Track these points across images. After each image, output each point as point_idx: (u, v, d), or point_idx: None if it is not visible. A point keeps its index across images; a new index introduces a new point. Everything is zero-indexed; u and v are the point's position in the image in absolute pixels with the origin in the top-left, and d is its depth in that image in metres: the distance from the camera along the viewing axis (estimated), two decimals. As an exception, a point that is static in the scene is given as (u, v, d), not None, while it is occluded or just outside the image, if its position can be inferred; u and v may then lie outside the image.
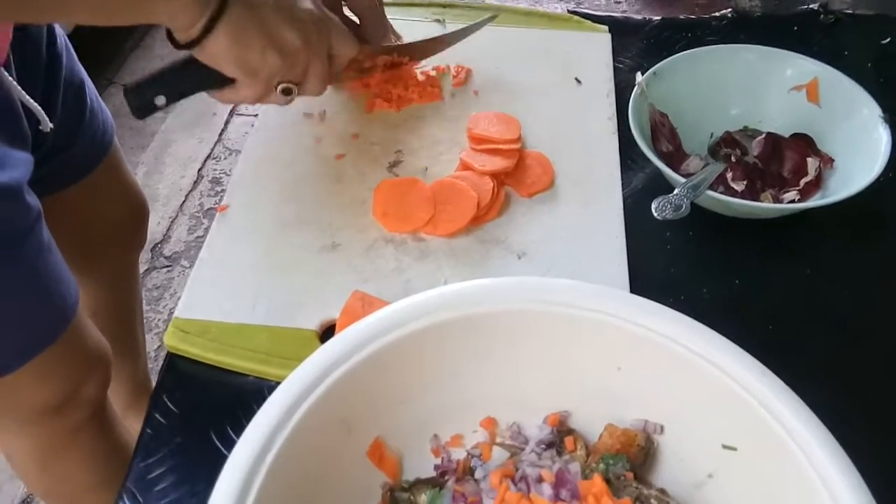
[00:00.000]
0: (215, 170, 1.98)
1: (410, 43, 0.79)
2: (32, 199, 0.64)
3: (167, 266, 1.78)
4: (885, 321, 0.62)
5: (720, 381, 0.46)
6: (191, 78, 0.59)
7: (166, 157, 2.06)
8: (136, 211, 0.99)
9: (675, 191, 0.61)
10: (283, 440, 0.43)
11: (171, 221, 1.87)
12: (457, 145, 0.73)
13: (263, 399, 0.45)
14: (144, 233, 1.03)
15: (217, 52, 0.56)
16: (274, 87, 0.61)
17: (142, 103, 0.60)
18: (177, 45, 0.56)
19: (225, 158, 2.00)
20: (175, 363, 0.60)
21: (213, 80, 0.59)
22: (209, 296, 0.61)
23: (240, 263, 0.64)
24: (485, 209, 0.67)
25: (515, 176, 0.70)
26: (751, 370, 0.45)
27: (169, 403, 0.57)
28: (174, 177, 2.00)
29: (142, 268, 1.79)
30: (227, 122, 2.10)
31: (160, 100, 0.60)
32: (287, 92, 0.63)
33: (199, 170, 1.98)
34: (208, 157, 2.00)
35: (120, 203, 0.94)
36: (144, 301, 1.65)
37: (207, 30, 0.54)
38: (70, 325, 0.70)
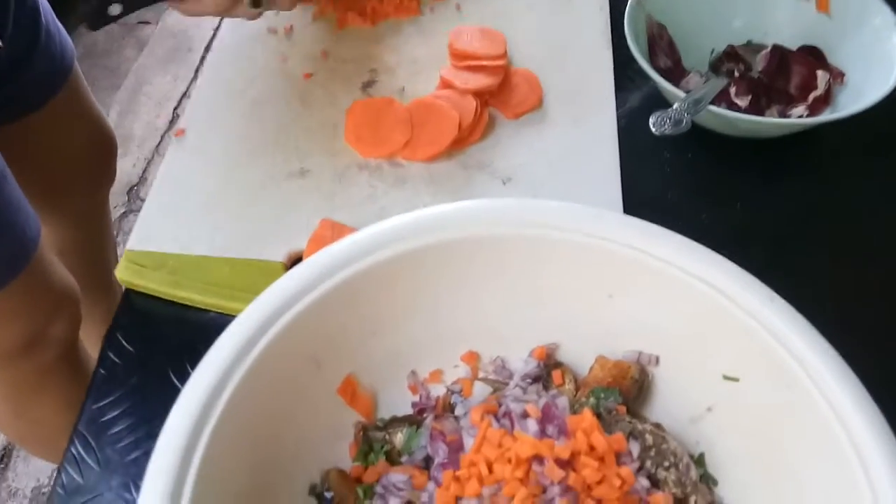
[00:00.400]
0: (191, 109, 1.89)
1: None
2: None
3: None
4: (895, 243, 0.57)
5: (722, 307, 0.41)
6: None
7: (140, 96, 1.97)
8: (102, 143, 0.92)
9: (675, 105, 0.56)
10: (242, 376, 0.39)
11: (147, 163, 1.80)
12: (437, 62, 0.67)
13: (225, 334, 0.40)
14: (112, 168, 0.97)
15: None
16: None
17: (95, 10, 0.54)
18: None
19: (201, 97, 1.91)
20: (130, 299, 0.55)
21: None
22: (165, 227, 0.56)
23: (198, 192, 0.59)
24: (467, 131, 0.61)
25: (501, 95, 0.64)
26: (757, 294, 0.41)
27: (124, 342, 0.53)
28: (149, 116, 1.92)
29: (118, 211, 1.73)
30: (202, 59, 2.00)
31: (115, 8, 0.54)
32: (256, 4, 0.57)
33: (175, 108, 1.90)
34: (184, 95, 1.92)
35: (83, 134, 0.88)
36: (121, 244, 1.60)
37: None
38: (32, 261, 0.66)
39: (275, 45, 0.69)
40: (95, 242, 1.03)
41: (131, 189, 1.75)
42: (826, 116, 0.59)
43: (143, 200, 1.74)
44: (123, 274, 0.54)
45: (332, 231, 0.54)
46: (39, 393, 0.80)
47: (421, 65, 0.68)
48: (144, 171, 1.78)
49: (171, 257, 0.54)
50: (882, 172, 0.61)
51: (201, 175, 0.60)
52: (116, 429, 0.49)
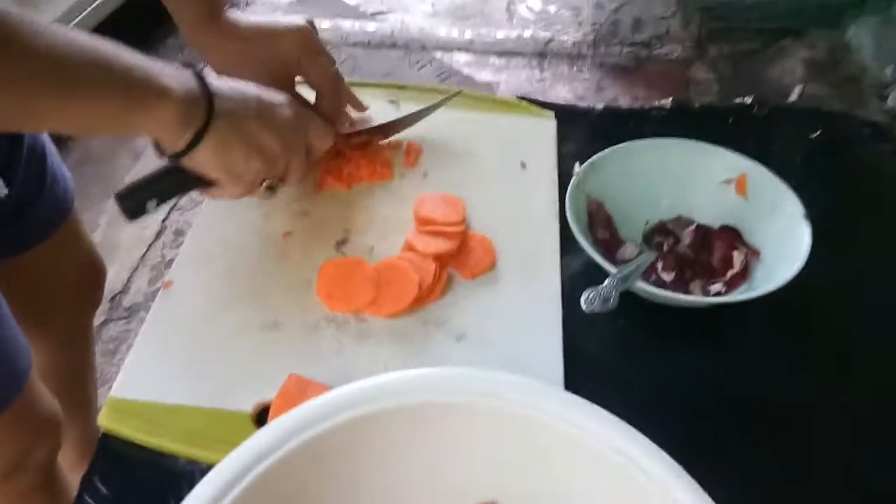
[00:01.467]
0: (178, 221, 1.98)
1: (380, 125, 0.83)
2: None
3: (125, 317, 1.76)
4: (804, 414, 0.64)
5: (638, 482, 0.47)
6: (178, 181, 0.62)
7: (129, 207, 2.05)
8: (93, 274, 0.99)
9: (605, 282, 0.64)
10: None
11: (132, 272, 1.86)
12: (404, 225, 0.75)
13: (194, 484, 0.45)
14: (99, 295, 1.03)
15: (203, 162, 0.59)
16: (258, 185, 0.64)
17: (133, 208, 0.62)
18: (163, 155, 0.59)
19: (190, 210, 2.00)
20: (108, 443, 0.59)
21: (200, 182, 0.62)
22: (146, 375, 0.62)
23: (180, 342, 0.65)
24: (427, 290, 0.69)
25: (458, 257, 0.72)
26: (670, 472, 0.47)
27: (100, 485, 0.57)
28: (137, 227, 1.99)
29: (99, 319, 1.77)
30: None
31: (151, 204, 0.63)
32: (270, 189, 0.66)
33: (163, 220, 1.98)
34: (173, 207, 2.00)
35: (77, 267, 0.94)
36: (100, 353, 1.63)
37: (193, 143, 0.57)
38: (21, 393, 0.70)
39: (259, 205, 0.77)
40: (78, 363, 1.08)
41: (114, 297, 1.80)
42: (737, 296, 0.67)
43: (125, 309, 1.79)
44: (105, 421, 0.59)
45: (298, 387, 0.60)
46: None
47: (390, 226, 0.76)
48: (128, 280, 1.84)
49: (149, 406, 0.60)
50: (791, 344, 0.69)
51: (183, 326, 0.66)
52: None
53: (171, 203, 0.63)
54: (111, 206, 2.03)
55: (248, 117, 0.59)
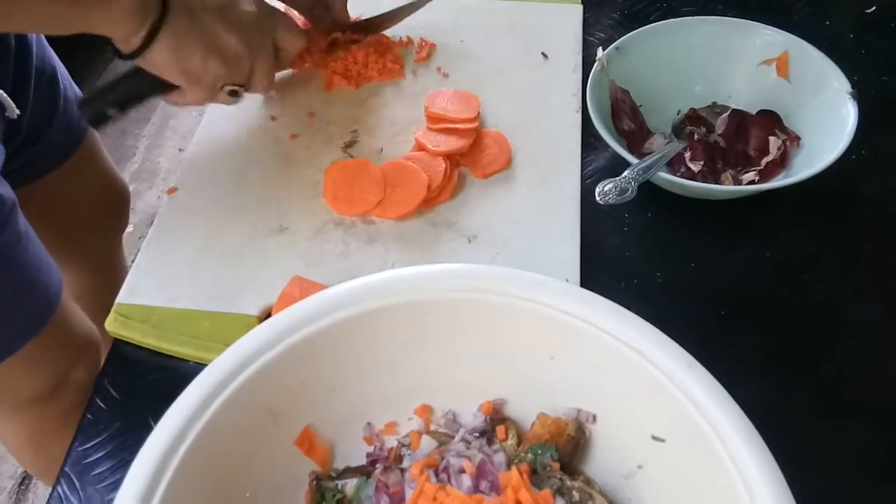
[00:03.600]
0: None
1: (367, 19, 0.78)
2: (5, 189, 0.64)
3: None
4: (840, 310, 0.59)
5: (649, 372, 0.44)
6: (139, 86, 0.60)
7: (167, 130, 2.06)
8: (116, 198, 0.99)
9: (624, 173, 0.59)
10: (200, 429, 0.43)
11: (170, 195, 1.88)
12: (415, 124, 0.71)
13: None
14: (126, 218, 1.04)
15: (159, 62, 0.56)
16: (219, 89, 0.61)
17: (95, 114, 0.61)
18: (121, 56, 0.56)
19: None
20: (119, 348, 0.60)
21: (161, 87, 0.60)
22: (153, 281, 0.61)
23: (186, 248, 0.63)
24: (436, 191, 0.65)
25: (471, 156, 0.68)
26: (678, 361, 0.44)
27: (110, 388, 0.57)
28: (174, 150, 2.00)
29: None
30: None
31: (112, 111, 0.61)
32: (234, 94, 0.63)
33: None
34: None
35: (98, 190, 0.94)
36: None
37: (148, 40, 0.54)
38: (55, 314, 0.71)
39: (266, 107, 0.74)
40: (111, 285, 1.09)
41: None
42: (771, 183, 0.62)
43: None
44: (112, 326, 0.59)
45: (301, 289, 0.58)
46: (60, 434, 0.83)
47: (400, 126, 0.72)
48: (166, 203, 1.86)
49: (156, 310, 0.59)
50: (832, 240, 0.63)
51: (189, 232, 0.64)
52: (99, 470, 0.53)
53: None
54: (149, 131, 2.04)
55: (206, 12, 0.56)
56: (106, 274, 1.07)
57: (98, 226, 0.98)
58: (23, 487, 1.40)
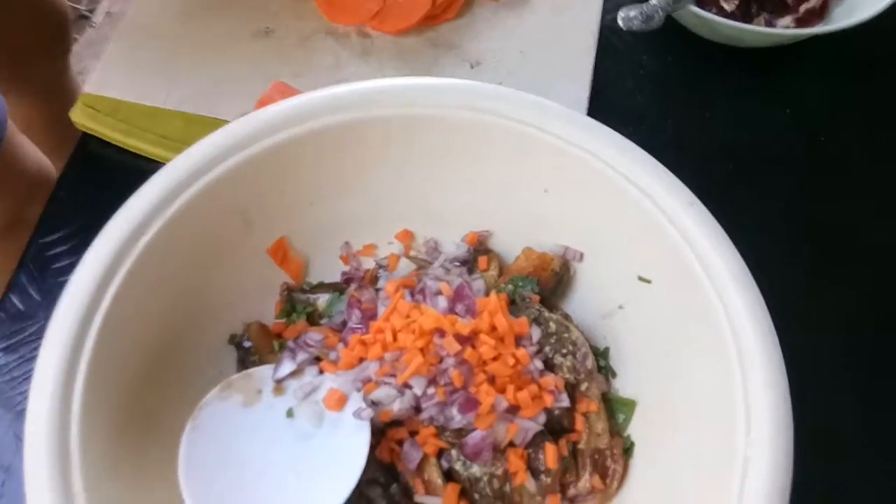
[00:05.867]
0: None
1: None
2: None
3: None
4: (856, 174, 0.56)
5: (647, 209, 0.41)
6: None
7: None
8: (54, 20, 0.91)
9: (652, 0, 0.53)
10: (164, 224, 0.40)
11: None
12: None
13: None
14: (68, 39, 0.96)
15: None
16: None
17: None
18: None
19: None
20: (87, 143, 0.56)
21: None
22: (124, 73, 0.56)
23: (161, 43, 0.58)
24: (441, 7, 0.59)
25: (483, -28, 0.62)
26: (678, 198, 0.41)
27: (76, 182, 0.54)
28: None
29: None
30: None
31: None
32: None
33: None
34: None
35: (34, 15, 0.86)
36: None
37: None
38: (3, 141, 0.66)
39: None
40: (61, 111, 1.03)
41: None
42: (808, 30, 0.56)
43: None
44: (78, 116, 0.55)
45: (283, 95, 0.53)
46: None
47: (407, -69, 0.64)
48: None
49: (125, 105, 0.55)
50: (863, 98, 0.59)
51: (166, 26, 0.58)
52: (60, 264, 0.51)
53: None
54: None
55: None
56: (54, 102, 1.00)
57: (38, 49, 0.91)
58: None
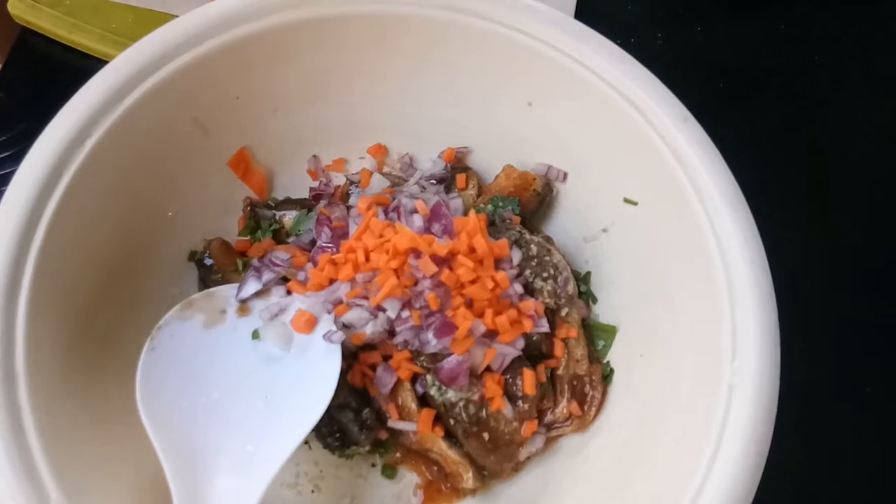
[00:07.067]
0: None
1: None
2: None
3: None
4: (849, 102, 0.54)
5: (638, 126, 0.39)
6: None
7: None
8: None
9: None
10: (112, 123, 0.36)
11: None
12: None
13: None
14: None
15: None
16: None
17: None
18: None
19: None
20: (26, 39, 0.51)
21: None
22: (65, -40, 0.50)
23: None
24: None
25: None
26: (671, 114, 0.38)
27: (16, 84, 0.49)
28: None
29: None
30: None
31: None
32: None
33: None
34: None
35: None
36: None
37: None
38: None
39: None
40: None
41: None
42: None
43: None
44: (15, 9, 0.49)
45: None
46: None
47: None
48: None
49: (68, -3, 0.49)
50: (860, 18, 0.56)
51: None
52: (2, 171, 0.47)
53: None
54: None
55: None
56: None
57: None
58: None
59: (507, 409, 0.36)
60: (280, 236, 0.44)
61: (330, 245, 0.41)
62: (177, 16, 0.49)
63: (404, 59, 0.43)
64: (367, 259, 0.39)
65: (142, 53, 0.37)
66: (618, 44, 0.41)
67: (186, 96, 0.39)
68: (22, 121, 0.48)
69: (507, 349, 0.37)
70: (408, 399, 0.36)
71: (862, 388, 0.46)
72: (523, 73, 0.42)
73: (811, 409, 0.39)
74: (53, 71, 0.50)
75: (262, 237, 0.44)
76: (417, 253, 0.38)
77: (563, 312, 0.40)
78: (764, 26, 0.55)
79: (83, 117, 0.36)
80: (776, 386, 0.33)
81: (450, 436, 0.38)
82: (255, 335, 0.37)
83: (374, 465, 0.40)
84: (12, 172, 0.44)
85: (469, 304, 0.38)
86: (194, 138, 0.41)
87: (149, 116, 0.38)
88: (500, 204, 0.43)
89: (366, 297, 0.38)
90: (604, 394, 0.38)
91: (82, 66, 0.50)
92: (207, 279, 0.41)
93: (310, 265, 0.40)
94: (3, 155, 0.47)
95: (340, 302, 0.38)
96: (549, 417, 0.37)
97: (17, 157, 0.47)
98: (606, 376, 0.39)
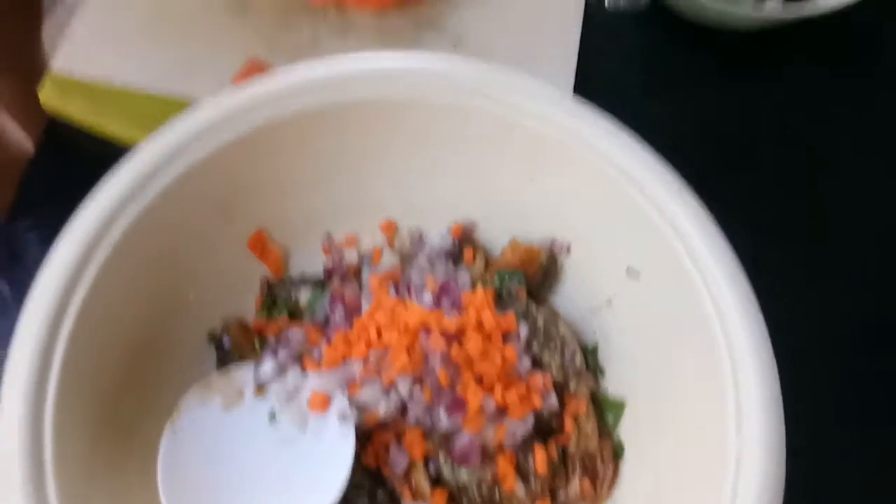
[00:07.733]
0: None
1: None
2: None
3: None
4: (842, 161, 0.56)
5: (635, 199, 0.40)
6: None
7: None
8: None
9: (640, -22, 0.51)
10: (136, 214, 0.38)
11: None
12: None
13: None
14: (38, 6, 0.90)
15: None
16: None
17: None
18: None
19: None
20: (55, 128, 0.53)
21: None
22: (93, 51, 0.53)
23: (132, 17, 0.55)
24: (422, -16, 0.57)
25: (467, -52, 0.59)
26: (669, 187, 0.39)
27: (46, 169, 0.52)
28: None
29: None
30: None
31: None
32: None
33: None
34: None
35: None
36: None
37: None
38: None
39: None
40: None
41: None
42: (797, 12, 0.54)
43: None
44: (47, 97, 0.52)
45: (258, 72, 0.51)
46: None
47: None
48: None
49: (96, 87, 0.52)
50: (853, 82, 0.58)
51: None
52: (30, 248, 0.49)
53: None
54: None
55: None
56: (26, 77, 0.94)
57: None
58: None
59: (520, 489, 0.37)
60: (296, 314, 0.46)
61: (343, 322, 0.42)
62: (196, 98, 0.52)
63: (407, 140, 0.45)
64: (380, 336, 0.40)
65: (163, 142, 0.40)
66: (615, 112, 0.43)
67: (206, 183, 0.41)
68: (47, 202, 0.50)
69: (518, 425, 0.38)
70: (421, 480, 0.37)
71: (868, 453, 0.46)
72: (523, 150, 0.44)
73: (818, 476, 0.40)
74: (81, 157, 0.52)
75: (277, 315, 0.45)
76: (428, 329, 0.39)
77: (572, 386, 0.41)
78: (757, 92, 0.57)
79: (106, 210, 0.38)
80: (783, 456, 0.33)
81: (463, 515, 0.38)
82: (272, 417, 0.38)
83: (388, 544, 0.40)
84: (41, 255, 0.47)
85: (479, 379, 0.39)
86: (215, 223, 0.43)
87: (172, 203, 0.40)
88: (507, 277, 0.45)
89: (378, 374, 0.39)
90: (615, 470, 0.39)
91: (108, 152, 0.52)
92: (226, 361, 0.42)
93: (324, 342, 0.42)
94: (28, 234, 0.50)
95: (354, 379, 0.39)
96: (561, 496, 0.38)
97: (45, 239, 0.50)
98: (617, 453, 0.40)
